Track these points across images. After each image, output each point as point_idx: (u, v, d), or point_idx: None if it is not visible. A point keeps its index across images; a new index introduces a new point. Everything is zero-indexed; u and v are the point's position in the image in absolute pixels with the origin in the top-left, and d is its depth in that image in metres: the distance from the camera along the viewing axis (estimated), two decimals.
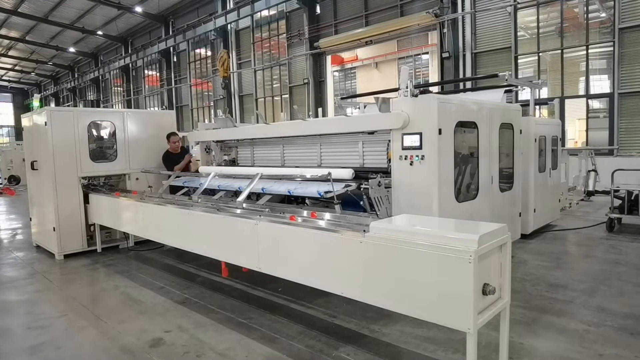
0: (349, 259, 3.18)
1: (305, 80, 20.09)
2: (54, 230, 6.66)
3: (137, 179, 7.34)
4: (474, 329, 2.55)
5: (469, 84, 13.94)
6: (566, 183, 8.72)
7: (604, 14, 12.77)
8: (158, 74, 30.86)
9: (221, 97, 24.10)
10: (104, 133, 7.41)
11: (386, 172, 4.61)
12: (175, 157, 7.43)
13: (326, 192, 4.49)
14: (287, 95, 21.38)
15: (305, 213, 4.36)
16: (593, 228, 7.67)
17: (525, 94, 10.86)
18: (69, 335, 4.05)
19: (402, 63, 18.14)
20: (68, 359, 3.64)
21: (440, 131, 4.22)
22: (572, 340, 3.60)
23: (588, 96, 13.12)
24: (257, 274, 4.06)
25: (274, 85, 22.50)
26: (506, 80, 6.60)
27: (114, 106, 35.71)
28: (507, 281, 2.88)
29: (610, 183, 7.54)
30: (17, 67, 42.96)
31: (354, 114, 7.80)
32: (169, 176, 6.80)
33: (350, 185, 4.52)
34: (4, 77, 45.99)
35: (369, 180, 4.36)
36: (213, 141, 7.07)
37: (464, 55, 14.99)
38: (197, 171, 7.00)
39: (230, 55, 23.17)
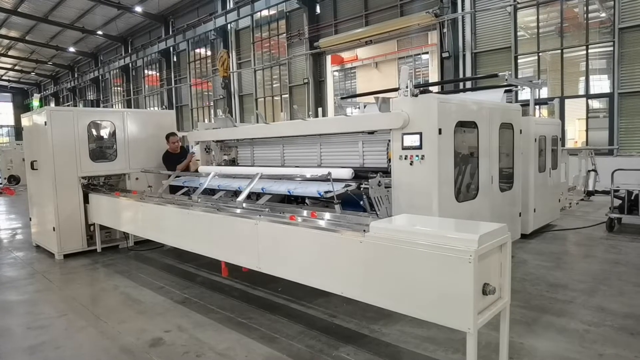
0: (349, 258, 3.18)
1: (305, 80, 20.09)
2: (54, 230, 6.65)
3: (137, 178, 7.34)
4: (474, 328, 2.54)
5: (468, 84, 13.93)
6: (566, 183, 8.72)
7: (603, 14, 12.77)
8: (158, 74, 30.86)
9: (221, 97, 24.10)
10: (104, 133, 7.41)
11: (386, 172, 4.61)
12: (175, 157, 7.43)
13: (326, 192, 4.49)
14: (287, 95, 21.37)
15: (305, 213, 4.35)
16: (593, 228, 7.67)
17: (525, 94, 10.87)
18: (68, 335, 4.05)
19: (402, 63, 18.15)
20: (68, 359, 3.63)
21: (440, 131, 4.21)
22: (572, 340, 3.60)
23: (588, 96, 13.12)
24: (257, 274, 4.06)
25: (274, 85, 22.50)
26: (506, 80, 6.60)
27: (114, 106, 35.71)
28: (507, 281, 2.88)
29: (610, 183, 7.54)
30: (17, 67, 42.95)
31: (353, 114, 7.80)
32: (169, 176, 6.79)
33: (350, 185, 4.52)
34: (3, 77, 45.97)
35: (369, 180, 4.36)
36: (213, 141, 7.07)
37: (464, 55, 14.98)
38: (196, 171, 7.00)
39: (230, 55, 23.17)
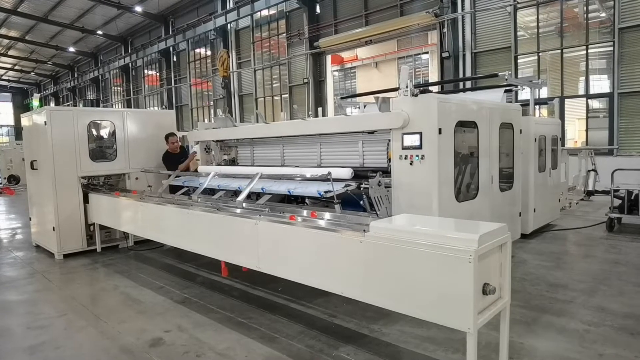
0: (349, 258, 3.18)
1: (305, 80, 20.09)
2: (54, 229, 6.65)
3: (136, 178, 7.34)
4: (474, 328, 2.54)
5: (468, 84, 13.92)
6: (566, 183, 8.72)
7: (603, 14, 12.77)
8: (158, 74, 30.84)
9: (221, 96, 24.09)
10: (104, 132, 7.41)
11: (386, 172, 4.61)
12: (175, 157, 7.43)
13: (326, 192, 4.48)
14: (287, 95, 21.37)
15: (305, 213, 4.35)
16: (593, 228, 7.67)
17: (525, 94, 10.86)
18: (68, 335, 4.05)
19: (402, 63, 18.16)
20: (68, 359, 3.63)
21: (440, 131, 4.21)
22: (572, 340, 3.60)
23: (588, 96, 13.12)
24: (257, 274, 4.06)
25: (274, 85, 22.50)
26: (506, 80, 6.60)
27: (114, 106, 35.70)
28: (507, 281, 2.88)
29: (610, 183, 7.55)
30: (16, 67, 42.93)
31: (353, 114, 7.80)
32: (169, 176, 6.79)
33: (350, 185, 4.52)
34: (3, 77, 45.95)
35: (369, 180, 4.36)
36: (213, 141, 7.07)
37: (464, 55, 14.98)
38: (196, 170, 7.00)
39: (230, 54, 23.16)
